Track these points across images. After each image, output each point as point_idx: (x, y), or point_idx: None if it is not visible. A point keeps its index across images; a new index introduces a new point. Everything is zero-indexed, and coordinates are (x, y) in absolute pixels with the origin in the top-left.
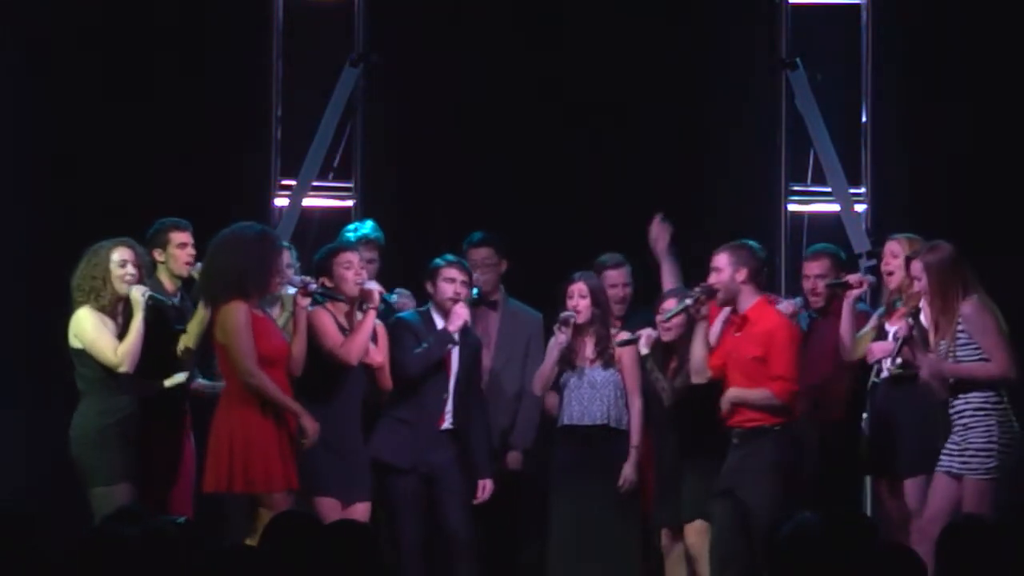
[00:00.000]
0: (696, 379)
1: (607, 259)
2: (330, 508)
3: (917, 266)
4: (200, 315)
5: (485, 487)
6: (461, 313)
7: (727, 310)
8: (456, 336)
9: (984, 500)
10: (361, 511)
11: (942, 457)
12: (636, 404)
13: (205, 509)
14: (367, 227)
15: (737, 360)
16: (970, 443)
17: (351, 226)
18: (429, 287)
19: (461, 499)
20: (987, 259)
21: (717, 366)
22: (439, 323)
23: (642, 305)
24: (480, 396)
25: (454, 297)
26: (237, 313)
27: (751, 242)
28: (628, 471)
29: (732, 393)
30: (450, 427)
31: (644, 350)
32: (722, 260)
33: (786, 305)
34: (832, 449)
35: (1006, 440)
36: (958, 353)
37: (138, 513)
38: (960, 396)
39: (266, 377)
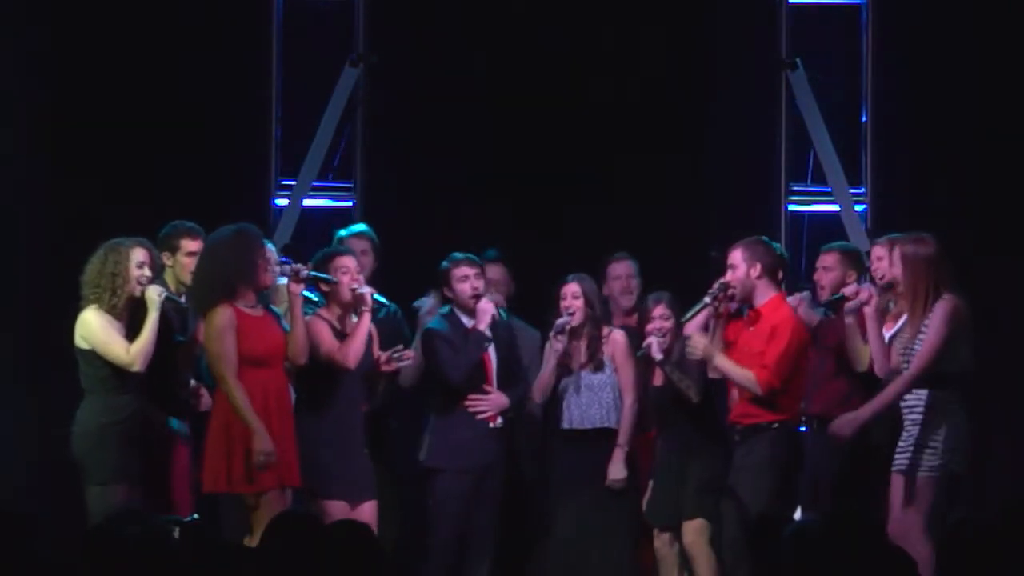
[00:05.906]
0: (712, 374)
1: (614, 256)
2: (338, 511)
3: (897, 253)
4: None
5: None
6: (487, 308)
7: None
8: (488, 332)
9: (925, 498)
10: (368, 510)
11: (895, 456)
12: (628, 401)
13: (205, 509)
14: (359, 226)
15: (748, 355)
16: (917, 439)
17: (343, 230)
18: (447, 291)
19: (494, 501)
20: (988, 259)
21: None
22: (467, 322)
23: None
24: (520, 371)
25: (475, 294)
26: (220, 317)
27: (765, 239)
28: (613, 471)
29: (719, 360)
30: (500, 424)
31: (658, 356)
32: (736, 256)
33: (794, 299)
34: (856, 448)
35: (951, 442)
36: (916, 348)
37: (139, 514)
38: (915, 392)
39: (238, 386)
